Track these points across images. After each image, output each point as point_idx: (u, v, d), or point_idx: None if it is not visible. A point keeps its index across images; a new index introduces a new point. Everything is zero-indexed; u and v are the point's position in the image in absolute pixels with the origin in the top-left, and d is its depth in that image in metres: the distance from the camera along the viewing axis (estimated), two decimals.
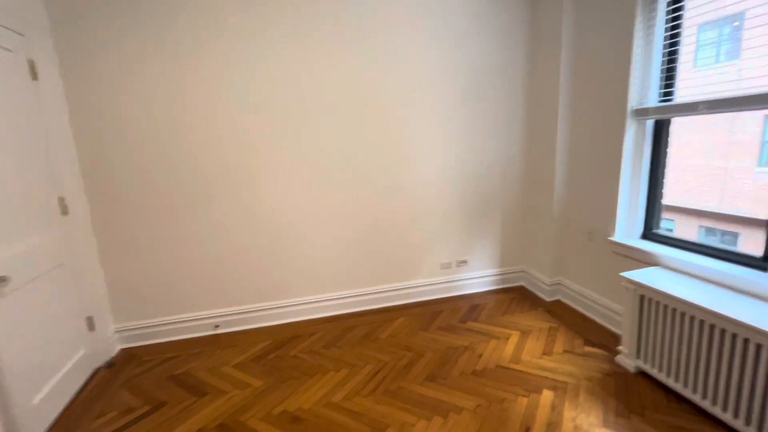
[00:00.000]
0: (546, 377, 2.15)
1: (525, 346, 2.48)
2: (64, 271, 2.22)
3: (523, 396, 2.01)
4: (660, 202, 2.42)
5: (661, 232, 2.40)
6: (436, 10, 2.82)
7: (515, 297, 3.22)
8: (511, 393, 2.03)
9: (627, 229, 2.53)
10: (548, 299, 3.11)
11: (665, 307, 1.92)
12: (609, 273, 2.60)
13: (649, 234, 2.45)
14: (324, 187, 2.87)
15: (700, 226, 5.16)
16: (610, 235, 2.57)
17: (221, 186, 2.69)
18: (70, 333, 2.23)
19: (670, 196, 2.63)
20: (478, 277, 3.35)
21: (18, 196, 1.91)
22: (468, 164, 3.13)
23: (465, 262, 3.30)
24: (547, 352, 2.39)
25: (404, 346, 2.56)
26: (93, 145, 2.47)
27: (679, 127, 4.91)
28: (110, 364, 2.52)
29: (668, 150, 2.37)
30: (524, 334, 2.63)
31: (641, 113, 2.33)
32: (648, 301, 2.02)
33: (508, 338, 2.58)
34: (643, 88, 2.33)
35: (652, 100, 2.30)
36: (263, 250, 2.85)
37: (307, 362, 2.43)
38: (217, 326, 2.87)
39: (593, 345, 2.45)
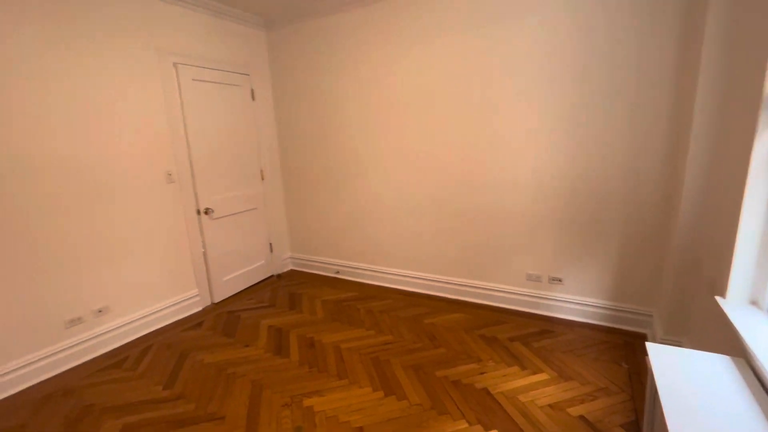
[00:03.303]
0: (515, 422, 1.83)
1: (542, 389, 2.06)
2: (256, 213, 3.77)
3: (468, 423, 1.85)
4: None
5: None
6: None
7: (612, 343, 2.45)
8: (459, 413, 1.91)
9: (754, 286, 1.52)
10: None
11: None
12: (723, 347, 1.66)
13: None
14: (422, 176, 3.18)
15: None
16: (722, 291, 1.62)
17: (350, 168, 3.56)
18: (255, 249, 3.80)
19: None
20: (576, 303, 2.73)
21: (236, 169, 3.49)
22: (580, 167, 2.55)
23: (560, 280, 2.77)
24: (558, 407, 1.92)
25: (432, 335, 2.67)
26: (287, 137, 3.89)
27: None
28: (278, 276, 4.03)
29: None
30: (560, 378, 2.13)
31: None
32: (658, 406, 1.33)
33: (534, 373, 2.19)
34: None
35: None
36: (372, 224, 3.54)
37: (359, 316, 3.02)
38: (337, 272, 3.88)
39: None
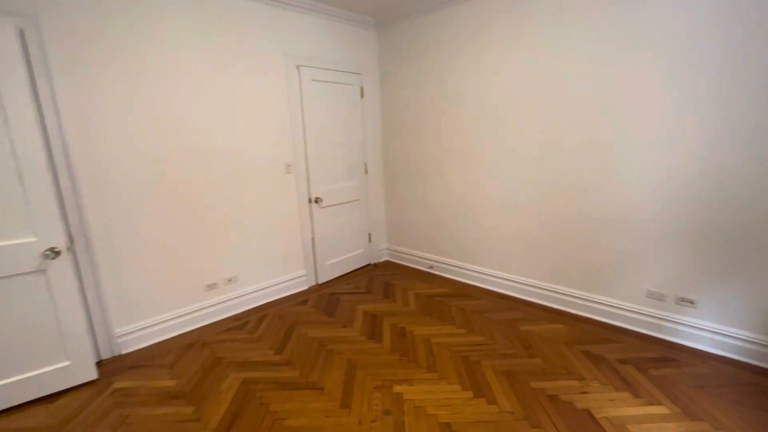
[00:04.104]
0: None
1: (660, 423, 1.80)
2: (359, 204, 4.01)
3: None
4: None
5: None
6: None
7: (763, 386, 2.01)
8: (554, 430, 1.79)
9: None
10: None
11: None
12: None
13: None
14: (528, 176, 3.02)
15: None
16: None
17: (449, 165, 3.55)
18: (356, 238, 4.05)
19: None
20: (712, 331, 2.30)
21: (343, 162, 3.76)
22: (733, 172, 2.13)
23: (691, 302, 2.36)
24: None
25: (527, 343, 2.54)
26: (390, 133, 4.04)
27: None
28: (375, 265, 4.23)
29: None
30: (684, 415, 1.83)
31: None
32: None
33: (650, 404, 1.92)
34: None
35: None
36: (470, 223, 3.49)
37: (450, 313, 3.02)
38: (431, 267, 3.92)
39: None
